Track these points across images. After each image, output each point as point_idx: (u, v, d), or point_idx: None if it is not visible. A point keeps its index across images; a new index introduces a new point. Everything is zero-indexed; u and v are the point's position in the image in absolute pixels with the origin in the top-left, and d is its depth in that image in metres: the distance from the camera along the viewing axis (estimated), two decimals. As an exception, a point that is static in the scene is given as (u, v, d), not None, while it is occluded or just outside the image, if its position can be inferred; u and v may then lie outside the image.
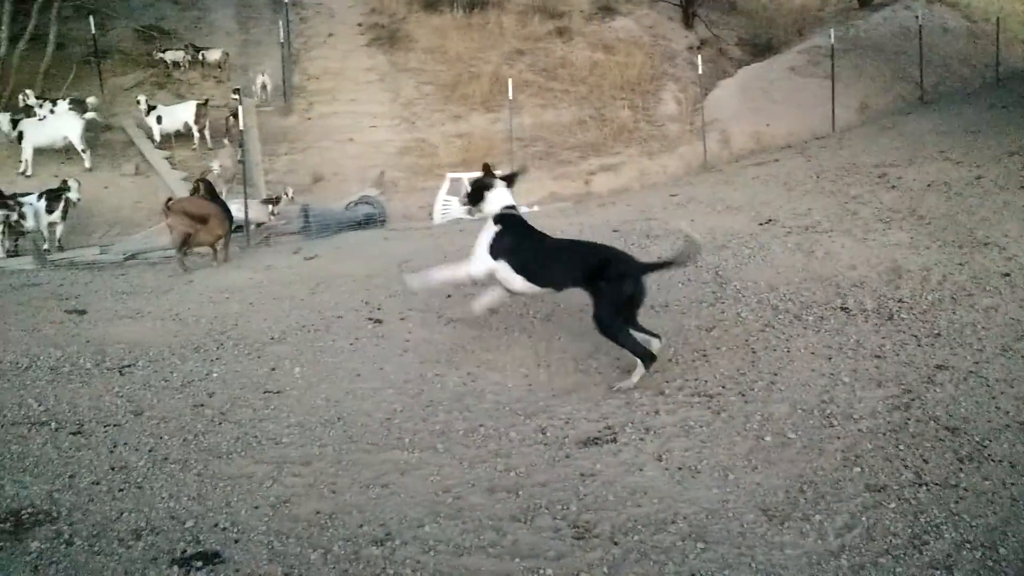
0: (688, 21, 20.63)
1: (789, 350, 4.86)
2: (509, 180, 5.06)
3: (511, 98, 12.81)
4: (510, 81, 12.87)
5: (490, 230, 4.85)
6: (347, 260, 7.90)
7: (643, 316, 4.68)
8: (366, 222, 10.95)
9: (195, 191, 8.62)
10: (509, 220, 4.86)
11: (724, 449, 3.71)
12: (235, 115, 12.13)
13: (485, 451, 3.80)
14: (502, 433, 3.99)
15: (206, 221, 8.11)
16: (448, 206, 11.56)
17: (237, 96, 14.16)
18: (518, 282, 4.72)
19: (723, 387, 4.42)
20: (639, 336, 4.48)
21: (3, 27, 14.32)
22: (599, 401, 4.35)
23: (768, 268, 6.34)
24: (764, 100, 16.05)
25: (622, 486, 3.42)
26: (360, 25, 19.86)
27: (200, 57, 17.07)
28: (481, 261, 4.84)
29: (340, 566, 2.88)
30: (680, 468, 3.56)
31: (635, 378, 4.46)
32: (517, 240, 4.77)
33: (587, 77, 17.90)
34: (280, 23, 17.05)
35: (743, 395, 4.29)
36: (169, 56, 16.71)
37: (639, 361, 4.43)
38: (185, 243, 7.99)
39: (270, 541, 3.02)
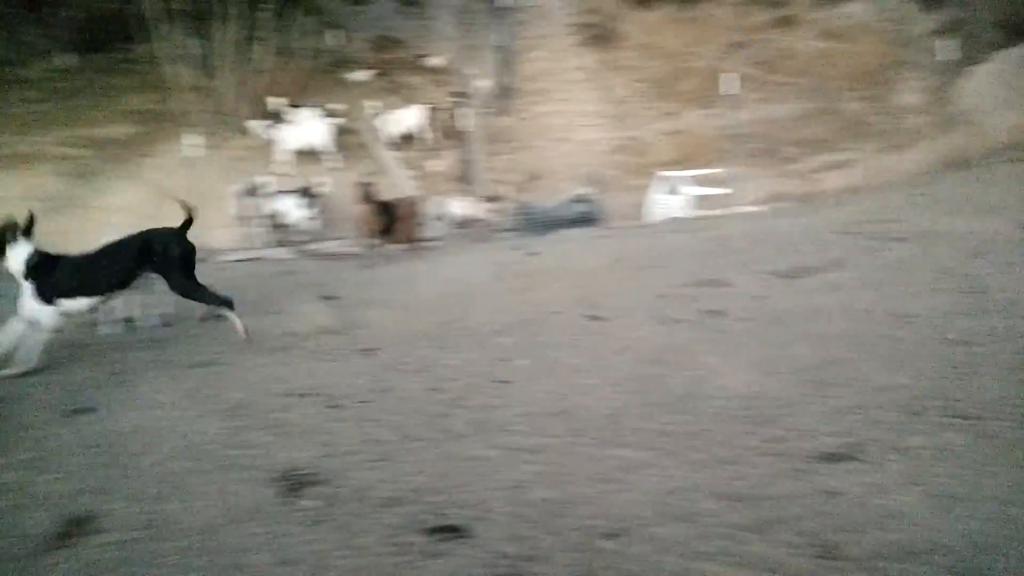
0: (931, 2, 18.64)
1: (1074, 373, 4.24)
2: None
3: (728, 93, 12.35)
4: (727, 75, 12.41)
5: None
6: (563, 257, 8.08)
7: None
8: (580, 220, 11.12)
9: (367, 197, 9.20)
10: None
11: (992, 479, 3.32)
12: (457, 117, 12.86)
13: (713, 457, 3.71)
14: (731, 440, 3.87)
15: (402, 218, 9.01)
16: (660, 204, 11.42)
17: (459, 99, 14.98)
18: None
19: (987, 410, 3.96)
20: None
21: (262, 42, 16.27)
22: (837, 414, 4.08)
23: (1039, 277, 5.59)
24: (1027, 87, 14.10)
25: (869, 507, 3.18)
26: (573, 25, 20.16)
27: (424, 64, 18.28)
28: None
29: (574, 554, 2.96)
30: (937, 495, 3.24)
31: None
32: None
33: (812, 68, 16.80)
34: (498, 27, 17.79)
35: (1019, 421, 3.81)
36: (356, 76, 18.02)
37: None
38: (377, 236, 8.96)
39: (508, 522, 3.16)
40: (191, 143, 14.04)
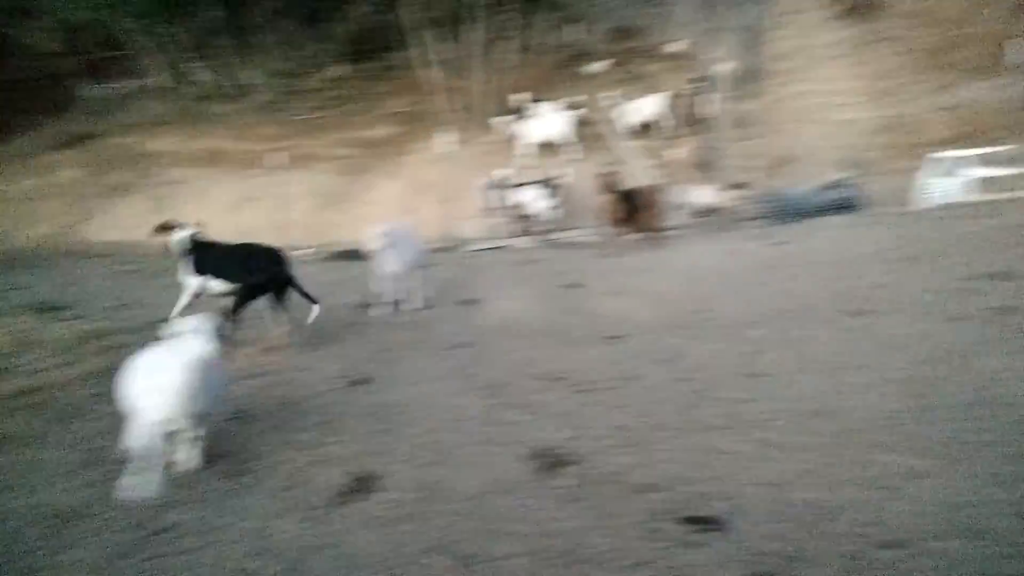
0: None
1: None
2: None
3: (1017, 60, 10.64)
4: (1015, 41, 10.69)
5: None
6: (817, 247, 7.53)
7: None
8: (838, 207, 10.27)
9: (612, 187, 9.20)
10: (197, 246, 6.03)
11: None
12: (699, 103, 12.47)
13: (1012, 471, 3.25)
14: (1031, 454, 3.37)
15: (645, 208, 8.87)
16: (934, 188, 10.18)
17: (700, 84, 14.52)
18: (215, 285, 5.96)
19: None
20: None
21: (506, 42, 17.02)
22: None
23: None
24: None
25: None
26: (827, -3, 18.61)
27: (663, 51, 17.95)
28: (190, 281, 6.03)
29: (844, 560, 2.76)
30: None
31: None
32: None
33: None
34: (742, 6, 16.96)
35: None
36: (593, 68, 17.94)
37: None
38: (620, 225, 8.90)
39: (768, 520, 3.03)
40: (445, 140, 15.10)
